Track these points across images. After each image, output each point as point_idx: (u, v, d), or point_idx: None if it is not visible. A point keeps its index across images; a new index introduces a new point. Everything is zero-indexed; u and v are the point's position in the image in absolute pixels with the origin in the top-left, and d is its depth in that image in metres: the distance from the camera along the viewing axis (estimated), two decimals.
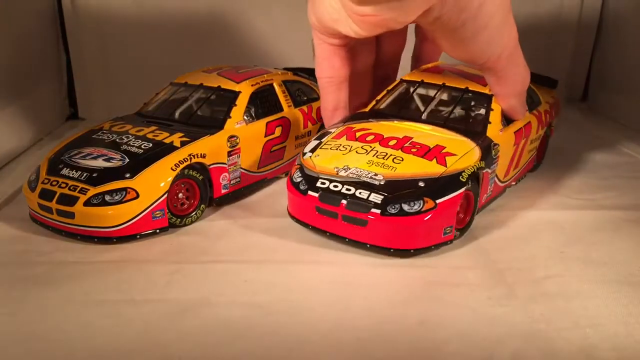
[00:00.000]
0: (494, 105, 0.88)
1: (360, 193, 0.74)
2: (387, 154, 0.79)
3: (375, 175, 0.76)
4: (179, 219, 0.85)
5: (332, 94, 0.88)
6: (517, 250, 0.78)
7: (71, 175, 0.81)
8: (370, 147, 0.81)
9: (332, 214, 0.76)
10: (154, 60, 1.47)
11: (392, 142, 0.81)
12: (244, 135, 0.94)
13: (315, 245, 0.80)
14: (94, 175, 0.80)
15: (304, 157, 0.83)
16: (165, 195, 0.81)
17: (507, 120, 0.90)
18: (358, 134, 0.84)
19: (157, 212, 0.81)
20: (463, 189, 0.76)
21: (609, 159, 1.13)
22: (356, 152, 0.81)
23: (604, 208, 0.91)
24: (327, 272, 0.74)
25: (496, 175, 0.88)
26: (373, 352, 0.59)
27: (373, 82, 0.97)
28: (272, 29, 1.49)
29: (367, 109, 0.94)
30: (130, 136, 0.89)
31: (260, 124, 0.98)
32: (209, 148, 0.88)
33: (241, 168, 0.94)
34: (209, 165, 0.88)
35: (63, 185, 0.80)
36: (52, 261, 0.76)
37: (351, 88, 0.90)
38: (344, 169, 0.78)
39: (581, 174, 1.05)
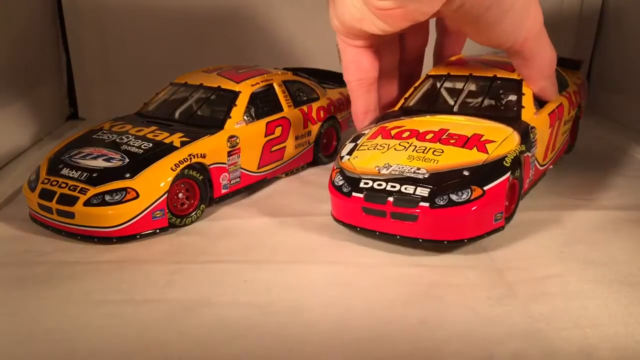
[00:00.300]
0: (524, 89, 0.88)
1: (405, 188, 0.74)
2: (426, 147, 0.79)
3: (418, 169, 0.76)
4: (179, 219, 0.85)
5: (363, 96, 0.88)
6: (517, 250, 0.78)
7: (71, 175, 0.81)
8: (408, 143, 0.81)
9: (380, 213, 0.75)
10: (154, 60, 1.47)
11: (429, 136, 0.81)
12: (244, 135, 0.94)
13: (315, 245, 0.80)
14: (94, 175, 0.80)
15: (342, 161, 0.82)
16: (165, 195, 0.81)
17: (539, 103, 0.90)
18: (393, 132, 0.84)
19: (157, 212, 0.81)
20: (508, 174, 0.76)
21: (609, 158, 1.13)
22: (394, 149, 0.80)
23: (604, 208, 0.91)
24: (327, 272, 0.74)
25: (536, 159, 0.88)
26: (373, 352, 0.59)
27: (399, 81, 0.96)
28: (274, 28, 1.49)
29: (396, 108, 0.93)
30: (130, 136, 0.89)
31: (260, 124, 0.97)
32: (209, 148, 0.88)
33: (241, 168, 0.94)
34: (209, 165, 0.88)
35: (63, 185, 0.80)
36: (52, 261, 0.76)
37: (379, 88, 0.90)
38: (385, 167, 0.77)
39: (581, 174, 1.05)
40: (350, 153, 0.83)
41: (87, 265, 0.75)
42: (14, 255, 0.78)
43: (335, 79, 1.25)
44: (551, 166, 0.99)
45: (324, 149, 1.13)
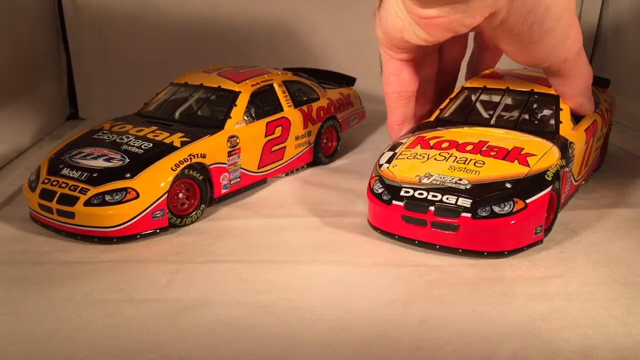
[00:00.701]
0: (562, 105, 0.88)
1: (447, 198, 0.74)
2: (467, 158, 0.79)
3: (460, 180, 0.76)
4: (179, 219, 0.85)
5: (401, 108, 0.88)
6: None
7: (71, 175, 0.81)
8: (448, 153, 0.81)
9: (421, 222, 0.76)
10: (154, 60, 1.47)
11: (469, 147, 0.81)
12: (244, 135, 0.94)
13: (315, 245, 0.80)
14: (94, 175, 0.80)
15: (381, 169, 0.83)
16: (166, 195, 0.81)
17: (575, 118, 0.90)
18: (432, 142, 0.84)
19: (157, 212, 0.81)
20: (550, 188, 0.76)
21: (610, 158, 1.13)
22: (434, 159, 0.80)
23: (605, 208, 0.91)
24: (327, 272, 0.73)
25: (572, 174, 0.88)
26: (373, 352, 0.59)
27: (435, 91, 0.97)
28: (273, 28, 1.49)
29: (432, 119, 0.93)
30: (130, 136, 0.89)
31: (260, 124, 0.98)
32: (209, 148, 0.88)
33: (241, 168, 0.94)
34: (209, 165, 0.88)
35: (63, 185, 0.80)
36: (52, 261, 0.76)
37: (416, 98, 0.90)
38: (426, 177, 0.78)
39: None
40: (389, 161, 0.83)
41: (87, 265, 0.75)
42: (14, 255, 0.78)
43: (335, 79, 1.25)
44: (583, 182, 0.98)
45: (324, 149, 1.13)
